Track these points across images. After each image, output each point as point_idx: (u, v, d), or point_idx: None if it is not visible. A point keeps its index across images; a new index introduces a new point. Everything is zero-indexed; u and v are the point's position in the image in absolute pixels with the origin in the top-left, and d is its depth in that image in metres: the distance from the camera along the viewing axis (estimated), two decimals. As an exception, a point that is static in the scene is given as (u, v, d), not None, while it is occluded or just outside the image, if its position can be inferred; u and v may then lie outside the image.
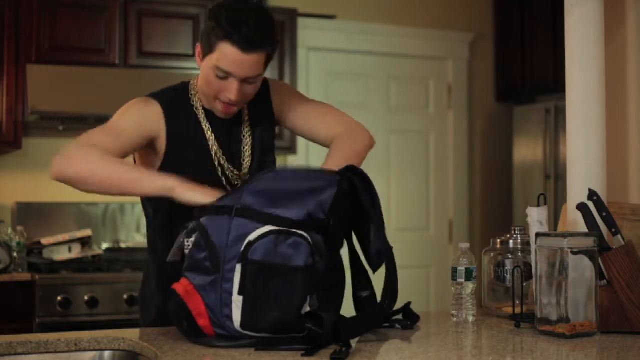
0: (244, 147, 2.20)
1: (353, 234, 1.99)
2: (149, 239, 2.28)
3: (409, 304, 2.38)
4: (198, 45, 2.10)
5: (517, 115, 5.50)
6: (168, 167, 2.11)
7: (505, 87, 5.73)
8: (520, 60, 5.53)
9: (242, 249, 1.76)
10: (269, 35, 2.06)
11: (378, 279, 1.97)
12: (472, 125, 5.77)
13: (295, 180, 1.85)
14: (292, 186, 1.83)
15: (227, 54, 2.02)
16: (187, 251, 1.86)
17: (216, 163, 2.16)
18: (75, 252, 4.31)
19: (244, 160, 2.20)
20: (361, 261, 2.02)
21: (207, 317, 1.79)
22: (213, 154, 2.15)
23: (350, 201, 1.88)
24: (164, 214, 2.19)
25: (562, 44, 2.36)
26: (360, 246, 1.98)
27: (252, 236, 1.76)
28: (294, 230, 1.77)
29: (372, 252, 1.95)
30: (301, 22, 5.05)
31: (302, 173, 1.89)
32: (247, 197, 1.81)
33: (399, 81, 5.59)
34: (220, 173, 2.16)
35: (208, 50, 2.05)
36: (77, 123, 4.46)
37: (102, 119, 4.67)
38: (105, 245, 4.57)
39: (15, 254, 4.10)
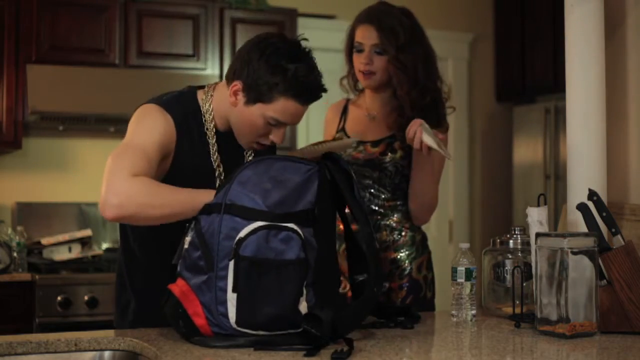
0: None
1: (349, 218, 2.02)
2: (123, 239, 2.22)
3: (409, 305, 2.39)
4: (237, 84, 2.00)
5: (517, 115, 5.50)
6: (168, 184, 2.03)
7: (505, 87, 5.73)
8: (520, 60, 5.52)
9: (234, 245, 1.77)
10: (323, 83, 2.04)
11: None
12: (472, 125, 5.77)
13: (278, 173, 1.84)
14: (275, 179, 1.83)
15: (288, 109, 1.98)
16: (184, 250, 1.87)
17: (216, 185, 2.08)
18: (75, 252, 4.31)
19: None
20: (359, 245, 2.01)
21: (203, 317, 1.79)
22: (216, 176, 2.10)
23: (332, 189, 1.90)
24: None
25: (562, 44, 2.36)
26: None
27: (243, 233, 1.77)
28: (285, 225, 1.78)
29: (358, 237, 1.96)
30: (301, 22, 5.05)
31: (282, 163, 1.87)
32: (234, 193, 1.81)
33: (399, 81, 5.59)
34: None
35: (260, 98, 1.98)
36: (77, 123, 4.47)
37: (102, 119, 4.63)
38: (105, 245, 4.57)
39: (15, 254, 4.11)
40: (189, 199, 1.87)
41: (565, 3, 2.32)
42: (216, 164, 2.10)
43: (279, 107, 1.98)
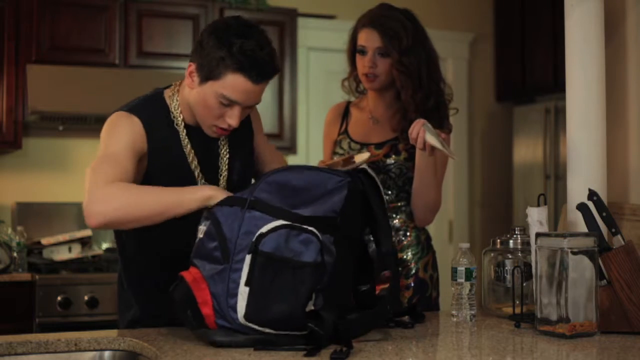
0: (221, 161, 2.17)
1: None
2: (119, 241, 2.21)
3: (414, 305, 2.39)
4: (192, 64, 2.03)
5: (517, 115, 5.50)
6: (148, 184, 2.05)
7: (505, 87, 5.73)
8: (520, 60, 5.53)
9: (253, 239, 1.78)
10: (277, 63, 2.03)
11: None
12: (472, 125, 5.77)
13: (307, 179, 1.86)
14: (303, 185, 1.85)
15: (237, 85, 1.98)
16: (197, 238, 1.88)
17: (195, 178, 2.11)
18: (75, 252, 4.31)
19: (221, 175, 2.16)
20: (365, 255, 2.03)
21: (211, 306, 1.80)
22: (192, 168, 2.11)
23: (362, 203, 1.91)
24: None
25: (562, 44, 2.36)
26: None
27: (265, 228, 1.78)
28: (306, 227, 1.79)
29: (379, 254, 1.97)
30: (301, 22, 5.05)
31: (314, 172, 1.89)
32: (260, 192, 1.83)
33: (399, 81, 5.58)
34: None
35: (210, 75, 1.99)
36: (77, 123, 4.47)
37: (102, 119, 4.67)
38: (105, 245, 4.57)
39: (15, 254, 4.11)
40: (173, 197, 1.91)
41: (565, 3, 2.32)
42: (190, 156, 2.11)
43: (228, 83, 1.97)
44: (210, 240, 1.83)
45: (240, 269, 1.78)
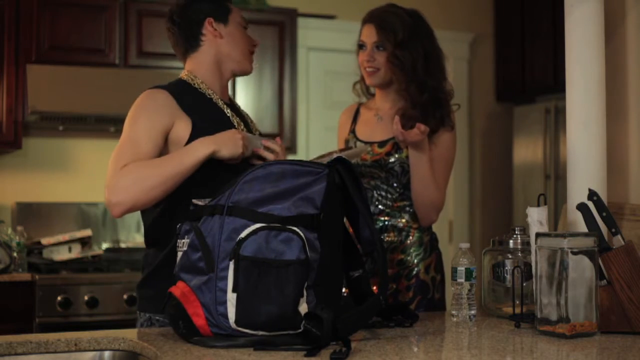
0: (246, 120, 2.40)
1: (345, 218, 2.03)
2: (151, 234, 2.25)
3: (408, 303, 2.41)
4: (208, 20, 2.29)
5: (517, 115, 5.50)
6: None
7: (505, 87, 5.73)
8: (520, 60, 5.53)
9: (234, 246, 1.78)
10: None
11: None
12: (472, 125, 5.77)
13: (283, 176, 1.87)
14: (280, 182, 1.86)
15: (237, 9, 2.37)
16: (180, 252, 1.89)
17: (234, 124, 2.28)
18: (75, 252, 4.31)
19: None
20: (352, 241, 2.03)
21: (203, 317, 1.80)
22: (230, 116, 2.29)
23: (341, 193, 1.92)
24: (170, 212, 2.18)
25: (562, 44, 2.36)
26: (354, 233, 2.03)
27: (244, 233, 1.79)
28: (286, 226, 1.80)
29: (361, 240, 2.00)
30: (301, 22, 5.05)
31: (290, 167, 1.89)
32: (237, 194, 1.84)
33: (399, 81, 5.58)
34: None
35: (227, 12, 2.32)
36: (77, 123, 4.47)
37: (102, 119, 4.64)
38: (105, 245, 4.57)
39: (15, 254, 4.10)
40: (180, 154, 2.08)
41: (565, 3, 2.33)
42: (224, 107, 2.30)
43: (235, 10, 2.35)
44: (194, 252, 1.84)
45: (226, 277, 1.79)
